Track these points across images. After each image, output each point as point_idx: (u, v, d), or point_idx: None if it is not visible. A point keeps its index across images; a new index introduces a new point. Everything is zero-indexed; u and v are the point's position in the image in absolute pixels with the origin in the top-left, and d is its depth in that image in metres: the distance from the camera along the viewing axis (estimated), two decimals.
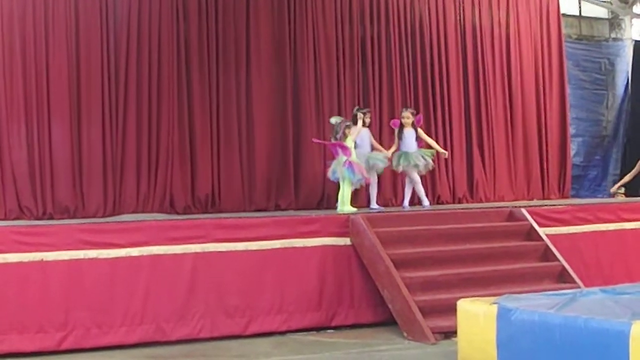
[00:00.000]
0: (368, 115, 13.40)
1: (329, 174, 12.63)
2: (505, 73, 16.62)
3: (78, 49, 13.00)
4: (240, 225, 10.73)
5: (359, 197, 13.79)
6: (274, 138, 14.24)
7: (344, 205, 12.34)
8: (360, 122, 12.76)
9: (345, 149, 12.35)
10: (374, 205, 13.46)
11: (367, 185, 13.27)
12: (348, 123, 12.54)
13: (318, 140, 13.41)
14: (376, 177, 13.47)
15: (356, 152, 12.59)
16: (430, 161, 13.46)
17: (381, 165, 13.24)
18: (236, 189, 13.89)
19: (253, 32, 14.18)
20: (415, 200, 13.83)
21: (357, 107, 13.45)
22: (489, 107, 16.22)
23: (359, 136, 12.84)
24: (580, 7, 19.40)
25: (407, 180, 13.74)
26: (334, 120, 12.70)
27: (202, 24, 13.82)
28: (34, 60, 12.72)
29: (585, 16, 19.48)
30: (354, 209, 12.28)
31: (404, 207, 13.63)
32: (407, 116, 13.59)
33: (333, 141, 12.47)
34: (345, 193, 12.42)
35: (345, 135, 12.36)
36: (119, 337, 9.88)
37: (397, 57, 15.37)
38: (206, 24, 13.84)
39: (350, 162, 12.31)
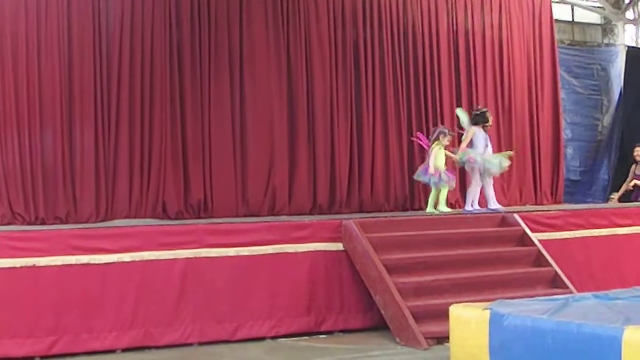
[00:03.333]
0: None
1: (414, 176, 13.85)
2: (498, 77, 16.63)
3: (70, 54, 12.95)
4: (231, 231, 10.73)
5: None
6: (267, 143, 14.21)
7: (440, 205, 13.23)
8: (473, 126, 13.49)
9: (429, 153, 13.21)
10: (491, 205, 13.58)
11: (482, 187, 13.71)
12: (445, 130, 13.34)
13: (420, 139, 13.89)
14: (490, 179, 13.72)
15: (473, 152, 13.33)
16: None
17: (494, 169, 13.55)
18: (229, 194, 13.86)
19: (246, 37, 14.16)
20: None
21: (482, 110, 14.04)
22: None
23: (476, 137, 13.38)
24: (573, 13, 19.46)
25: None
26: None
27: (194, 29, 13.78)
28: (26, 67, 12.66)
29: (577, 22, 19.56)
30: (435, 211, 13.08)
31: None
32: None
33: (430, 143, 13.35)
34: (434, 195, 13.34)
35: (436, 140, 13.12)
36: (109, 342, 9.87)
37: (390, 60, 15.37)
38: (199, 29, 13.81)
39: (426, 166, 13.15)
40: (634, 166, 16.22)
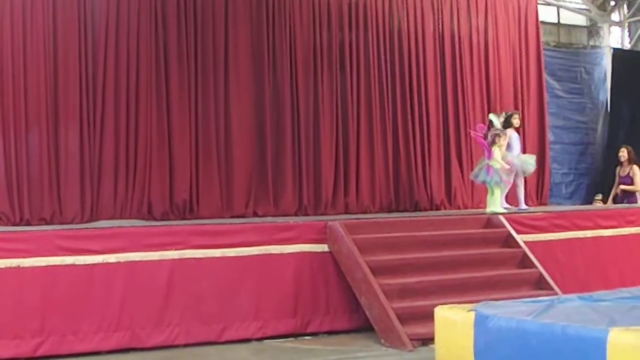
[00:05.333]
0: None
1: (471, 176, 13.88)
2: (484, 80, 16.66)
3: (55, 54, 12.91)
4: (217, 232, 10.71)
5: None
6: (252, 144, 14.21)
7: (490, 206, 13.15)
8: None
9: (489, 152, 13.14)
10: (522, 205, 14.03)
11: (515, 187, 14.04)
12: (498, 131, 13.25)
13: (475, 134, 13.83)
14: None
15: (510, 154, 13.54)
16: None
17: (531, 168, 14.03)
18: (214, 195, 13.85)
19: (232, 39, 14.15)
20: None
21: (509, 113, 14.32)
22: (466, 113, 16.24)
23: (512, 140, 13.70)
24: (558, 15, 19.51)
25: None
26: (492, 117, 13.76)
27: (180, 30, 13.76)
28: (11, 67, 12.62)
29: (563, 24, 19.60)
30: (502, 210, 13.01)
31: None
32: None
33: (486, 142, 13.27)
34: (492, 195, 13.24)
35: (494, 142, 13.08)
36: (95, 344, 9.82)
37: (376, 64, 15.38)
38: (185, 30, 13.79)
39: (488, 166, 13.08)
40: (618, 168, 16.29)
